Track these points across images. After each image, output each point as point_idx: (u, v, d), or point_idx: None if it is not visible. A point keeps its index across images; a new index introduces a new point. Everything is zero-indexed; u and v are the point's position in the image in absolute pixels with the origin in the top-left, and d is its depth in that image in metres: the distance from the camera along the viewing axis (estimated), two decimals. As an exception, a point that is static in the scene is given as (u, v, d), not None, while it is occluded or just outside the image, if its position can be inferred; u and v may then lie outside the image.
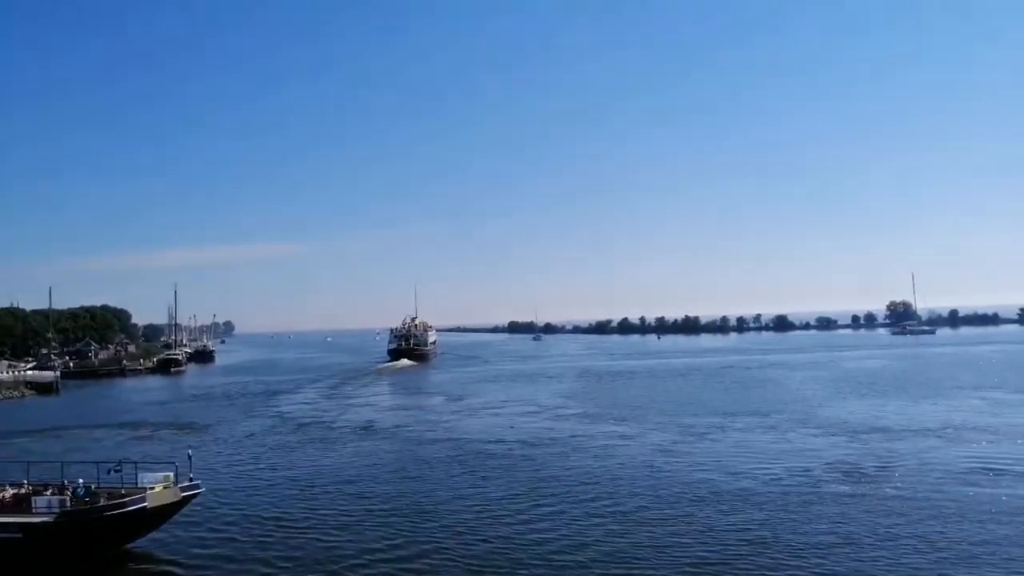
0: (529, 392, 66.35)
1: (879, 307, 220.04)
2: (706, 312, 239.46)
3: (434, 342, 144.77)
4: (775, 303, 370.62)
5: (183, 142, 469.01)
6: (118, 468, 22.53)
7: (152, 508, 21.32)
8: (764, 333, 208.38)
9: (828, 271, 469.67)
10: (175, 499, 22.09)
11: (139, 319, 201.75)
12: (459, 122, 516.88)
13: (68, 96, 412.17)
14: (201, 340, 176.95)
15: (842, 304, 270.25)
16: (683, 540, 21.00)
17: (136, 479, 22.22)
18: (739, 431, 39.92)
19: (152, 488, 21.60)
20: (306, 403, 63.52)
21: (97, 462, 23.48)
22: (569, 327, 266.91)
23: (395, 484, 29.55)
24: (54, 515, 20.60)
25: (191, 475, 22.86)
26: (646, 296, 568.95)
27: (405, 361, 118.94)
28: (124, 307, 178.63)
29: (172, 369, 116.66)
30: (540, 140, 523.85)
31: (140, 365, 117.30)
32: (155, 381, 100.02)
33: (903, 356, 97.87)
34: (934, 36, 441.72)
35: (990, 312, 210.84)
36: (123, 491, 21.36)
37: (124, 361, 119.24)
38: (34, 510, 20.85)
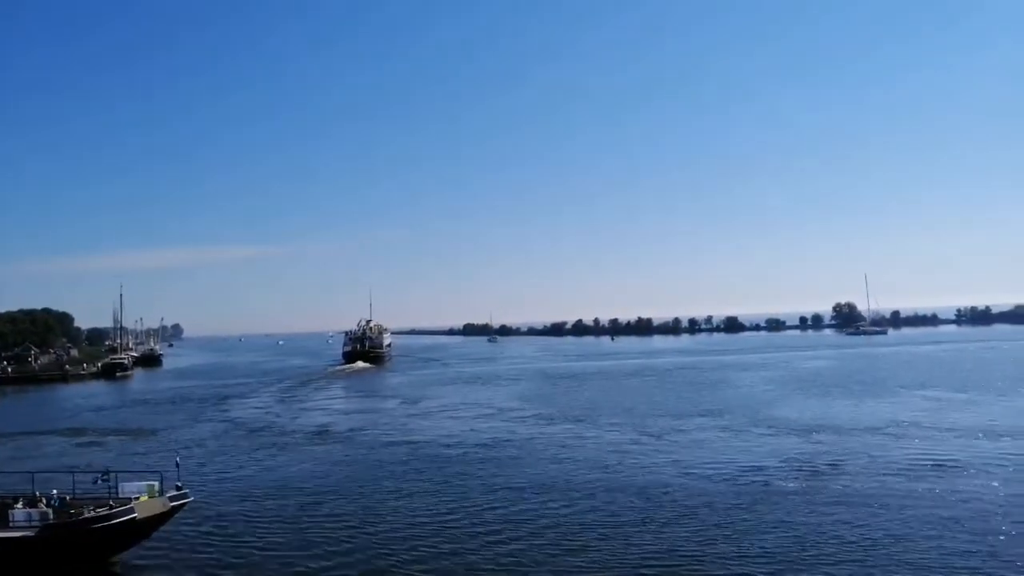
0: (485, 394, 66.36)
1: (826, 308, 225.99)
2: (659, 314, 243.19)
3: (389, 345, 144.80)
4: (726, 305, 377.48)
5: (130, 143, 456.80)
6: (105, 477, 21.40)
7: (141, 519, 20.28)
8: (715, 334, 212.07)
9: (777, 274, 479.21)
10: (164, 509, 20.99)
11: (82, 323, 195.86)
12: (413, 124, 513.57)
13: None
14: (148, 344, 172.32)
15: (790, 306, 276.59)
16: (636, 540, 21.22)
17: (117, 489, 21.14)
18: (692, 431, 40.53)
19: (137, 498, 20.52)
20: (258, 408, 62.42)
21: (72, 471, 22.66)
22: (524, 329, 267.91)
23: (347, 489, 29.14)
24: (35, 529, 19.30)
25: (178, 483, 21.79)
26: (600, 298, 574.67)
27: (360, 363, 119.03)
28: (67, 311, 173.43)
29: (117, 374, 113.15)
30: (495, 141, 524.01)
31: (84, 370, 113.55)
32: (99, 386, 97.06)
33: (850, 356, 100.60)
34: (887, 43, 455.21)
35: (929, 313, 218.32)
36: (111, 502, 20.27)
37: (66, 366, 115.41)
38: (11, 524, 19.48)
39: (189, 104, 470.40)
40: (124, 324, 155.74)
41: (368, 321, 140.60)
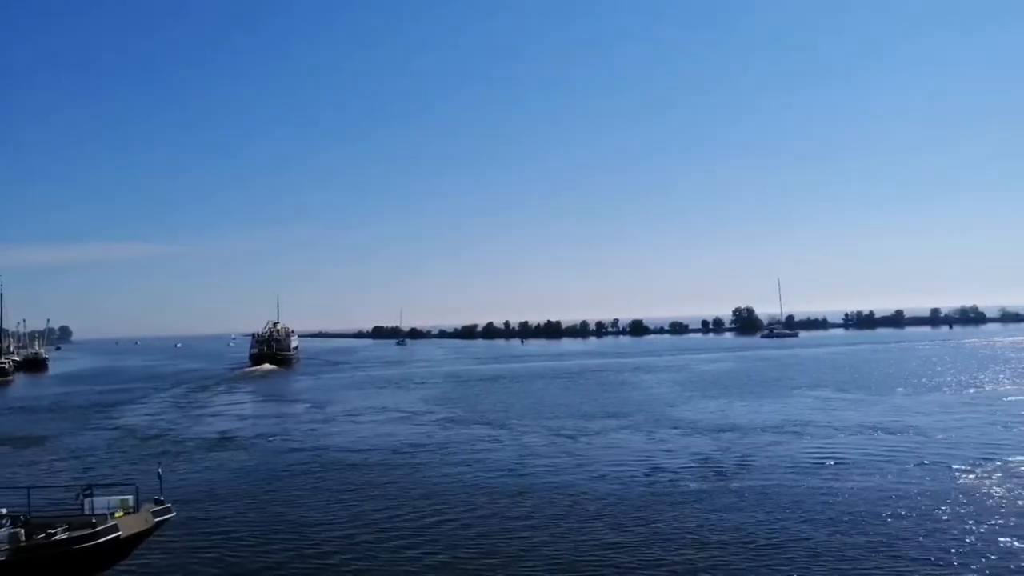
0: (395, 398, 65.49)
1: (726, 313, 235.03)
2: (568, 317, 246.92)
3: (296, 347, 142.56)
4: (632, 309, 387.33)
5: (17, 135, 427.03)
6: (87, 492, 19.24)
7: (125, 537, 18.39)
8: (622, 337, 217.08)
9: (679, 278, 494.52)
10: (147, 526, 19.12)
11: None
12: (322, 125, 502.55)
13: None
14: (32, 347, 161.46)
15: (692, 310, 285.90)
16: (539, 544, 21.33)
17: (83, 505, 19.04)
18: (600, 432, 41.20)
19: (113, 514, 18.55)
20: (152, 414, 59.46)
21: (28, 487, 20.41)
22: (435, 332, 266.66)
23: (244, 500, 27.97)
24: (5, 552, 17.12)
25: (161, 496, 19.87)
26: (511, 301, 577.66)
27: (267, 366, 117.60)
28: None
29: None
30: (403, 144, 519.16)
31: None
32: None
33: (748, 359, 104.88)
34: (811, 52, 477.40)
35: (820, 317, 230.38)
36: (92, 519, 18.22)
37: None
38: None
39: (75, 94, 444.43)
40: (4, 326, 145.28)
41: (275, 323, 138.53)
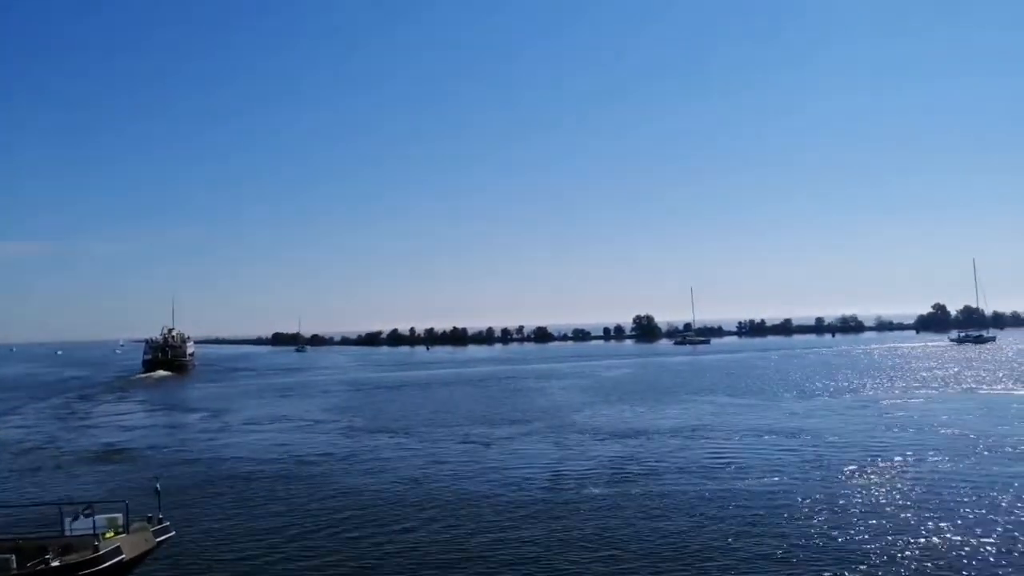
0: (297, 406, 63.60)
1: (626, 320, 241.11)
2: (473, 324, 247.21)
3: (192, 353, 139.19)
4: (536, 316, 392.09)
5: None
6: (88, 512, 17.28)
7: (128, 560, 16.62)
8: (527, 344, 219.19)
9: (583, 287, 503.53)
10: (149, 546, 17.41)
11: None
12: (217, 120, 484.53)
13: None
14: None
15: (595, 317, 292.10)
16: (446, 552, 21.13)
17: (63, 526, 17.12)
18: (506, 439, 41.25)
19: (103, 534, 16.67)
20: (30, 424, 55.50)
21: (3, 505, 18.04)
22: (338, 338, 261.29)
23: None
24: None
25: (160, 515, 18.13)
26: (416, 308, 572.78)
27: (162, 372, 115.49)
28: None
29: None
30: (302, 146, 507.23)
31: None
32: None
33: (649, 364, 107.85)
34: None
35: (715, 325, 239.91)
36: (96, 542, 16.28)
37: None
38: None
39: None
40: None
41: (170, 328, 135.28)
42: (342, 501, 27.52)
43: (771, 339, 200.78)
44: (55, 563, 15.79)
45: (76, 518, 17.27)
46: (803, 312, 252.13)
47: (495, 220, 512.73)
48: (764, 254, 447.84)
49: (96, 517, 17.21)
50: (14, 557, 15.70)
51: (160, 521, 18.05)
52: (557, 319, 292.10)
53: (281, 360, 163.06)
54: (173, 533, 18.41)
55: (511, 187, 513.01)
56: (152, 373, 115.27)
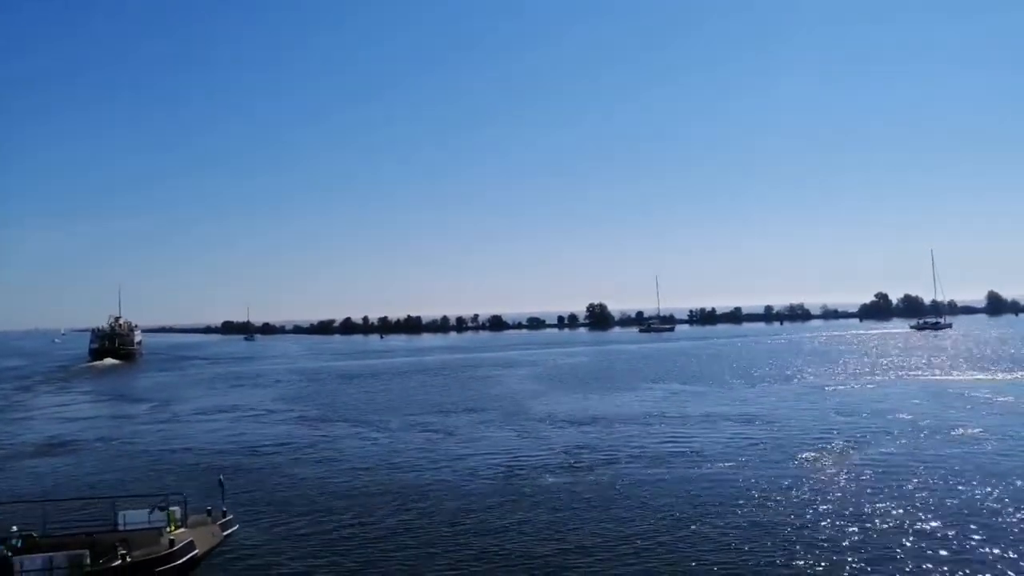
0: (248, 395, 62.51)
1: (580, 308, 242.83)
2: (428, 312, 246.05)
3: (140, 342, 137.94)
4: (490, 304, 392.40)
5: None
6: (163, 506, 16.77)
7: (200, 555, 16.10)
8: (482, 332, 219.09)
9: (536, 276, 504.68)
10: (216, 541, 16.91)
11: None
12: (165, 107, 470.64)
13: None
14: None
15: (549, 306, 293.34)
16: (402, 543, 21.00)
17: (116, 518, 16.55)
18: (461, 428, 41.14)
19: (165, 528, 16.25)
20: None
21: (42, 501, 17.75)
22: (290, 327, 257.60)
23: (72, 512, 25.44)
24: None
25: (223, 508, 17.46)
26: (369, 297, 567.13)
27: (109, 360, 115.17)
28: None
29: None
30: (253, 136, 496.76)
31: None
32: None
33: (602, 352, 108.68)
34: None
35: (668, 314, 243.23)
36: (170, 537, 15.83)
37: None
38: (23, 575, 14.65)
39: None
40: None
41: (117, 317, 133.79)
42: (294, 491, 27.14)
43: (720, 327, 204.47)
44: (129, 559, 15.23)
45: (163, 510, 16.77)
46: (751, 301, 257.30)
47: (449, 209, 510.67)
48: (713, 244, 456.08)
49: (151, 511, 16.82)
50: (88, 553, 15.21)
51: (224, 515, 17.55)
52: (512, 308, 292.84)
53: (231, 349, 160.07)
54: (237, 527, 17.79)
55: (464, 176, 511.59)
56: (98, 362, 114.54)
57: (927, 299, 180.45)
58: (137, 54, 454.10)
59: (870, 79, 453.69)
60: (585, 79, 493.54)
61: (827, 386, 55.83)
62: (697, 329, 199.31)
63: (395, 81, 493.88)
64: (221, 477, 18.66)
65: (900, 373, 64.62)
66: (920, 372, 65.08)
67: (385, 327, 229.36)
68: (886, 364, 74.28)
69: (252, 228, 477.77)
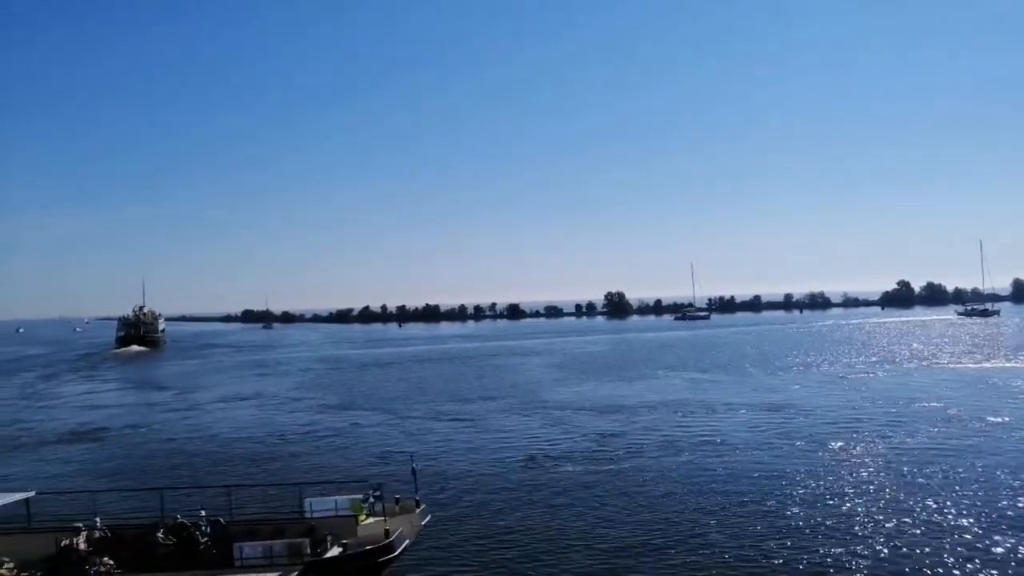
0: (271, 384, 63.20)
1: (598, 297, 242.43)
2: (446, 301, 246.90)
3: (164, 330, 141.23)
4: (508, 293, 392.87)
5: None
6: (377, 493, 16.59)
7: (410, 545, 16.00)
8: (499, 320, 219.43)
9: (554, 264, 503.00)
10: (417, 530, 16.57)
11: None
12: (184, 97, 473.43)
13: None
14: None
15: (566, 294, 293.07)
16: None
17: (303, 506, 16.58)
18: (479, 415, 41.27)
19: (357, 517, 16.02)
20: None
21: (197, 486, 18.50)
22: (308, 316, 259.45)
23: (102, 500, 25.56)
24: (297, 568, 14.22)
25: (417, 497, 17.13)
26: (388, 285, 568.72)
27: (135, 347, 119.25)
28: None
29: None
30: (272, 121, 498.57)
31: None
32: None
33: (619, 341, 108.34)
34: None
35: (685, 302, 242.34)
36: (385, 527, 15.49)
37: None
38: (242, 562, 14.68)
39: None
40: None
41: (142, 307, 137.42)
42: (319, 475, 27.44)
43: (740, 315, 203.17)
44: (337, 548, 15.09)
45: (378, 497, 16.60)
46: (770, 289, 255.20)
47: (467, 198, 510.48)
48: (733, 232, 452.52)
49: (338, 499, 16.69)
50: (307, 541, 15.06)
51: (417, 504, 17.11)
52: (529, 296, 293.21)
53: (251, 337, 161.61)
54: (429, 517, 17.38)
55: (474, 169, 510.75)
56: (125, 348, 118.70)
57: (950, 287, 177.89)
58: (153, 40, 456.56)
59: (884, 62, 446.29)
60: (609, 65, 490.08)
61: (863, 373, 55.21)
62: (717, 318, 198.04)
63: (415, 66, 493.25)
64: (414, 465, 18.24)
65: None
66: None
67: (403, 315, 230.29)
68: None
69: (272, 217, 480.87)
